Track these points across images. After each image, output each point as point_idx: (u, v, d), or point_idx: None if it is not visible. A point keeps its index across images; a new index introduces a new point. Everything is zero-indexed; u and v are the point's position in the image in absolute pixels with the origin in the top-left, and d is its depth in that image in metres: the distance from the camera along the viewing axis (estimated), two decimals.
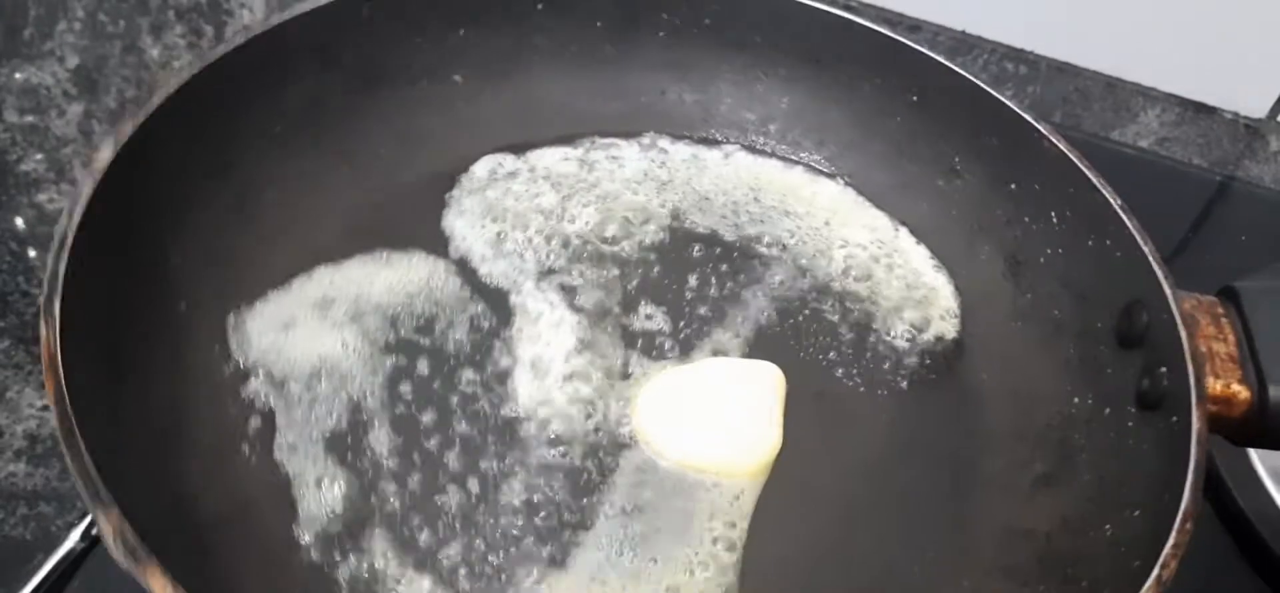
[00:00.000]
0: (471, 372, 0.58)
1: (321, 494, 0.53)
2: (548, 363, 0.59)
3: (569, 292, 0.63)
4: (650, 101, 0.73)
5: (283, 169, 0.63)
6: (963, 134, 0.67)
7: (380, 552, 0.51)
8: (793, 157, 0.73)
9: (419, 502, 0.53)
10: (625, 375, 0.59)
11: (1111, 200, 0.58)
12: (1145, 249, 0.56)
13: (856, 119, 0.71)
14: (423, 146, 0.68)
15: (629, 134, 0.72)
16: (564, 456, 0.56)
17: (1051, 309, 0.62)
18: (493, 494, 0.54)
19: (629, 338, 0.61)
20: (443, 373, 0.58)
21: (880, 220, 0.69)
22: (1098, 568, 0.50)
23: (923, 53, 0.67)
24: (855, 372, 0.62)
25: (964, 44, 0.89)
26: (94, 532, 0.57)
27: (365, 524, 0.52)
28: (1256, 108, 0.88)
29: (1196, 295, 0.55)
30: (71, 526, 0.58)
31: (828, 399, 0.60)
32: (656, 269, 0.65)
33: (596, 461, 0.56)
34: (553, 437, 0.56)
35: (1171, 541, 0.45)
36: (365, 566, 0.51)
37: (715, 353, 0.61)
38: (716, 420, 0.58)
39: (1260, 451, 0.64)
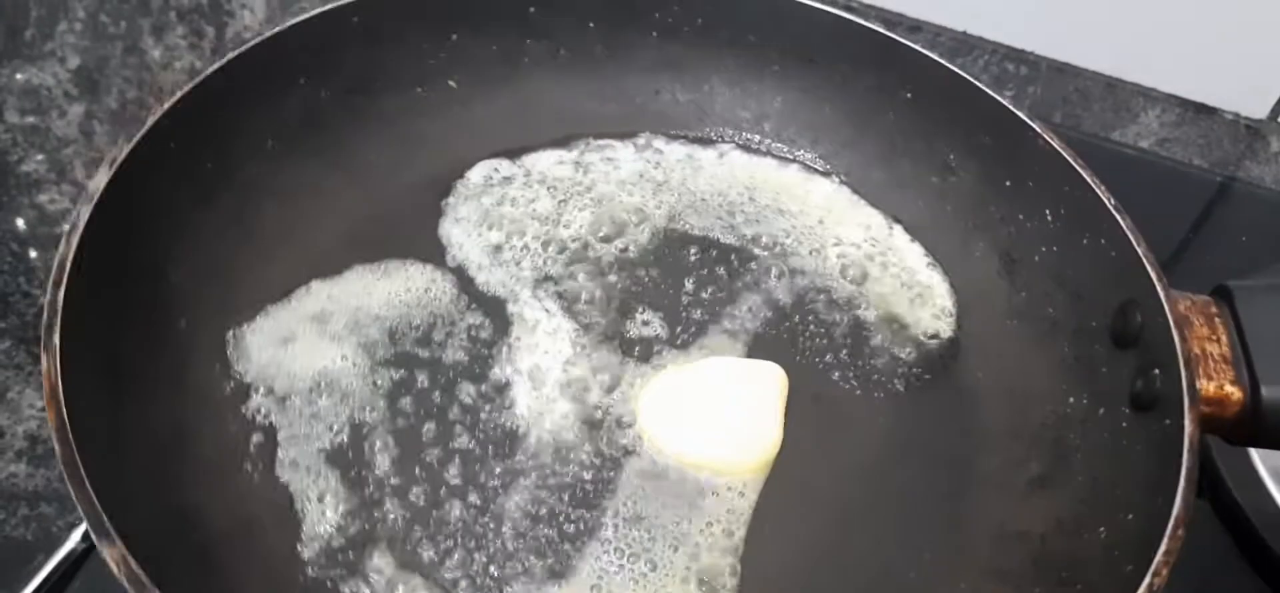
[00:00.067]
0: (470, 383, 0.59)
1: (324, 510, 0.54)
2: (545, 373, 0.59)
3: (566, 299, 0.63)
4: (644, 102, 0.73)
5: (278, 182, 0.63)
6: (957, 131, 0.67)
7: (383, 567, 0.52)
8: (787, 155, 0.73)
9: (420, 515, 0.54)
10: (623, 383, 0.60)
11: (1105, 199, 0.58)
12: (1139, 249, 0.56)
13: (851, 116, 0.71)
14: (418, 153, 0.68)
15: (624, 135, 0.72)
16: (563, 465, 0.56)
17: (1046, 308, 0.62)
18: (493, 506, 0.55)
19: (626, 345, 0.61)
20: (442, 385, 0.59)
21: (875, 218, 0.69)
22: (1091, 571, 0.50)
23: (915, 50, 0.67)
24: (851, 374, 0.62)
25: (964, 44, 0.88)
26: None
27: (368, 539, 0.53)
28: (1257, 108, 0.88)
29: (1190, 296, 0.55)
30: (72, 526, 0.58)
31: (825, 402, 0.60)
32: (653, 274, 0.65)
33: (595, 469, 0.56)
34: (552, 447, 0.57)
35: (1163, 548, 0.45)
36: (368, 581, 0.52)
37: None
38: (719, 419, 0.59)
39: (1261, 450, 0.64)
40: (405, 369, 0.59)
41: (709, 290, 0.65)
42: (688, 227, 0.68)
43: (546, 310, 0.62)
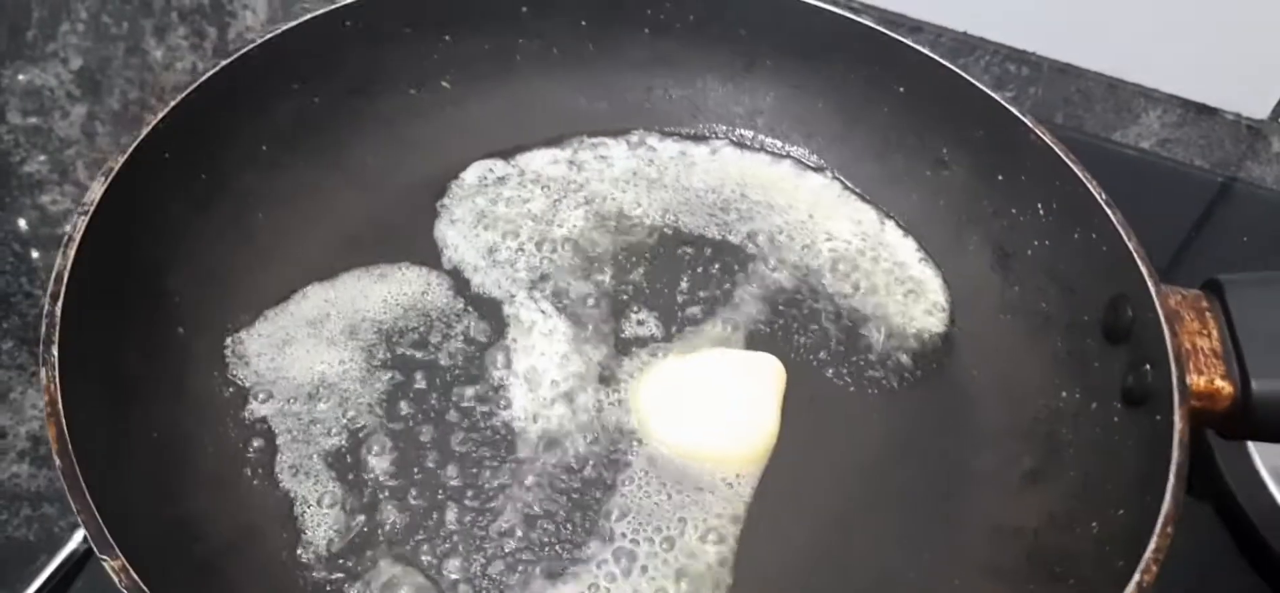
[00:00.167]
0: (467, 386, 0.59)
1: (324, 514, 0.54)
2: (541, 374, 0.60)
3: (561, 300, 0.63)
4: (637, 99, 0.73)
5: (273, 187, 0.63)
6: (949, 126, 0.67)
7: (383, 569, 0.53)
8: (781, 150, 0.73)
9: (419, 518, 0.54)
10: (619, 383, 0.60)
11: (1096, 194, 0.58)
12: (1130, 244, 0.56)
13: (844, 111, 0.71)
14: (412, 155, 0.69)
15: (617, 133, 0.72)
16: (560, 466, 0.57)
17: (1039, 302, 0.62)
18: (491, 508, 0.55)
19: (622, 345, 0.62)
20: (439, 388, 0.59)
21: (867, 214, 0.69)
22: (1084, 567, 0.51)
23: (907, 44, 0.67)
24: (845, 371, 0.62)
25: (965, 45, 0.88)
26: None
27: (367, 542, 0.53)
28: (1258, 109, 0.88)
29: (1181, 290, 0.55)
30: (74, 527, 0.59)
31: (819, 401, 0.61)
32: (647, 272, 0.66)
33: (591, 470, 0.57)
34: (548, 448, 0.57)
35: (1152, 545, 0.46)
36: (369, 584, 0.52)
37: None
38: (717, 410, 0.59)
39: (1261, 449, 0.65)
40: (403, 372, 0.59)
41: (703, 289, 0.65)
42: (681, 224, 0.68)
43: (542, 311, 0.63)
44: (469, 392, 0.59)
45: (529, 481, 0.56)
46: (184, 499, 0.52)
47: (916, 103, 0.68)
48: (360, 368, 0.59)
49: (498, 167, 0.70)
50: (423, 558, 0.53)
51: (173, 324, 0.58)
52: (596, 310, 0.63)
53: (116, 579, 0.43)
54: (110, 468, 0.48)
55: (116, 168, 0.55)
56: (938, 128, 0.68)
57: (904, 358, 0.63)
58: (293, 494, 0.55)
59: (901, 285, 0.66)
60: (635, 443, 0.58)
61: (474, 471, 0.56)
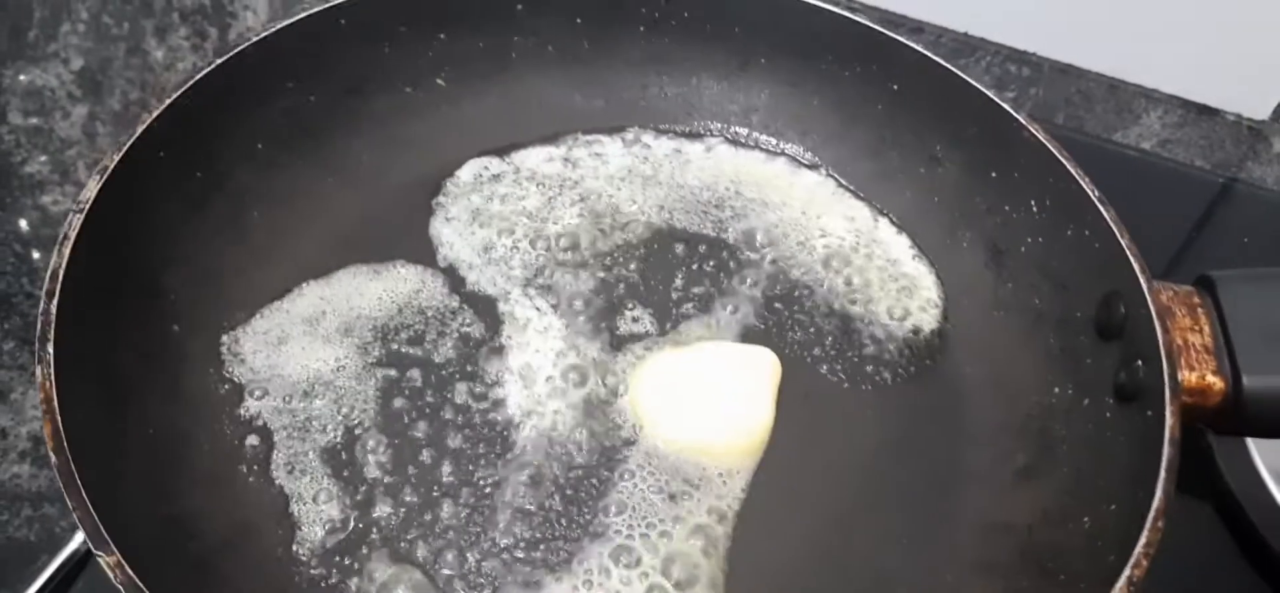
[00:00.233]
0: (462, 382, 0.60)
1: (319, 511, 0.54)
2: (536, 371, 0.60)
3: (556, 297, 0.64)
4: (632, 97, 0.73)
5: (268, 186, 0.64)
6: (943, 123, 0.67)
7: (378, 566, 0.53)
8: (775, 148, 0.73)
9: (415, 514, 0.55)
10: (613, 380, 0.60)
11: (1089, 191, 0.59)
12: (1122, 241, 0.56)
13: (838, 108, 0.71)
14: (408, 153, 0.69)
15: (612, 130, 0.73)
16: (555, 462, 0.57)
17: (1032, 299, 0.62)
18: (487, 504, 0.55)
19: (616, 342, 0.62)
20: (434, 385, 0.59)
21: (861, 211, 0.69)
22: (1075, 562, 0.51)
23: (901, 42, 0.67)
24: (840, 368, 0.62)
25: (966, 46, 0.89)
26: None
27: (363, 539, 0.54)
28: (1259, 109, 0.88)
29: (1173, 286, 0.56)
30: (75, 527, 0.57)
31: (813, 398, 0.61)
32: (641, 270, 0.66)
33: (586, 466, 0.57)
34: (543, 444, 0.57)
35: (1143, 539, 0.46)
36: (364, 581, 0.52)
37: None
38: (713, 402, 0.59)
39: (1261, 449, 0.65)
40: (398, 369, 0.60)
41: (697, 286, 0.65)
42: (676, 222, 0.69)
43: (537, 309, 0.63)
44: (464, 388, 0.59)
45: (524, 477, 0.56)
46: (180, 497, 0.53)
47: (910, 100, 0.68)
48: (356, 365, 0.60)
49: (493, 164, 0.70)
50: (418, 554, 0.53)
51: (168, 322, 0.58)
52: (591, 307, 0.63)
53: (112, 575, 0.43)
54: (106, 465, 0.48)
55: (111, 166, 0.55)
56: (931, 125, 0.68)
57: (897, 355, 0.63)
58: (288, 491, 0.55)
59: (895, 282, 0.66)
60: (630, 438, 0.58)
61: (469, 467, 0.56)
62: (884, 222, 0.69)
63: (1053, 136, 0.62)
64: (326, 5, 0.65)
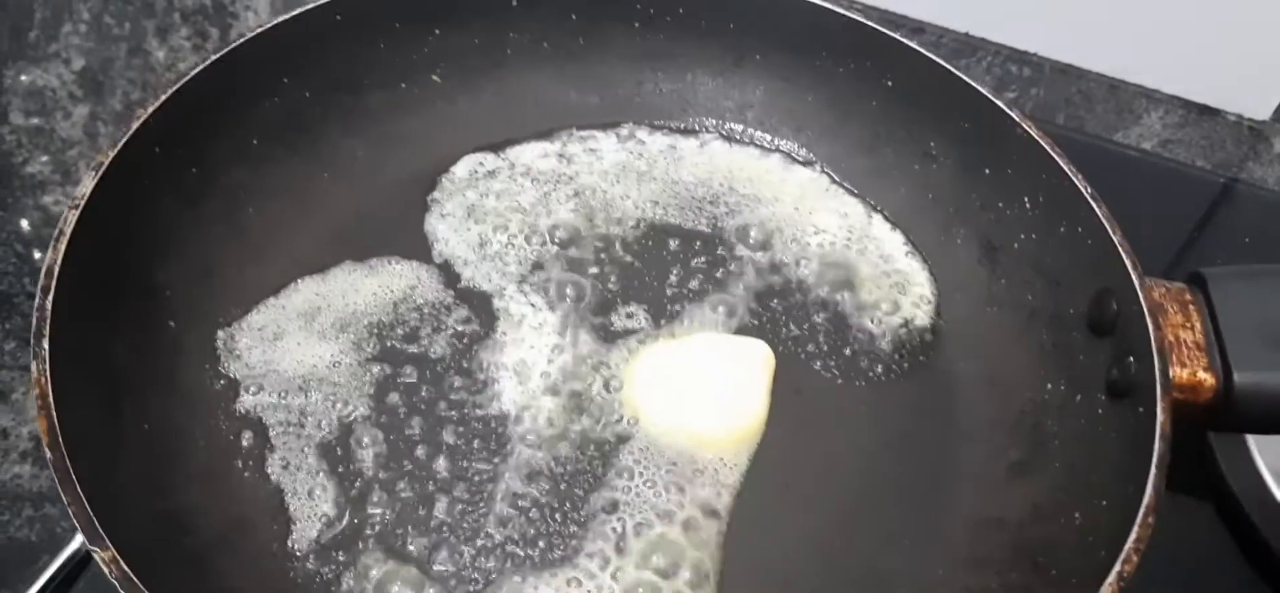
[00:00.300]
0: (457, 378, 0.60)
1: (314, 507, 0.55)
2: (531, 367, 0.60)
3: (551, 293, 0.64)
4: (627, 93, 0.73)
5: (264, 182, 0.64)
6: (937, 119, 0.67)
7: (373, 562, 0.53)
8: (770, 144, 0.73)
9: (409, 510, 0.55)
10: (608, 376, 0.60)
11: (1082, 188, 0.59)
12: (1114, 238, 0.56)
13: (833, 104, 0.71)
14: (403, 149, 0.69)
15: (606, 126, 0.73)
16: (549, 457, 0.57)
17: (1025, 295, 0.62)
18: (481, 500, 0.55)
19: (610, 338, 0.62)
20: (429, 381, 0.59)
21: (855, 207, 0.70)
22: (1066, 557, 0.51)
23: (894, 38, 0.67)
24: (833, 364, 0.63)
25: (967, 46, 0.89)
26: None
27: (358, 535, 0.54)
28: (1260, 109, 0.88)
29: (1165, 283, 0.56)
30: (76, 527, 0.59)
31: (807, 393, 0.61)
32: (636, 266, 0.66)
33: (580, 462, 0.57)
34: (537, 440, 0.58)
35: (1133, 535, 0.46)
36: (359, 576, 0.53)
37: None
38: (706, 391, 0.60)
39: (1263, 449, 0.64)
40: (393, 365, 0.60)
41: (691, 282, 0.65)
42: (670, 218, 0.69)
43: (532, 305, 0.63)
44: (459, 384, 0.59)
45: (519, 472, 0.56)
46: (175, 492, 0.53)
47: (904, 96, 0.68)
48: (351, 361, 0.60)
49: (488, 160, 0.70)
50: (413, 550, 0.54)
51: (164, 318, 0.58)
52: (586, 303, 0.64)
53: (107, 571, 0.43)
54: (102, 461, 0.48)
55: (107, 162, 0.55)
56: (926, 121, 0.68)
57: (891, 351, 0.63)
58: (283, 487, 0.55)
59: (889, 278, 0.66)
60: (624, 434, 0.58)
61: (464, 463, 0.57)
62: (878, 218, 0.69)
63: (1046, 133, 0.62)
64: (322, 1, 0.65)
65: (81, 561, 0.58)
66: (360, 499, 0.55)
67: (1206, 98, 0.88)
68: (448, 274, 0.64)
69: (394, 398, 0.59)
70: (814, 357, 0.63)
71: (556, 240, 0.66)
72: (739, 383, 0.60)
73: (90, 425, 0.49)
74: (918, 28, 0.88)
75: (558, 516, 0.55)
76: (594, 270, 0.65)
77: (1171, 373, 0.52)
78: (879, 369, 0.63)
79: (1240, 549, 0.64)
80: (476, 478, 0.56)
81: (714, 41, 0.72)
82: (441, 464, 0.57)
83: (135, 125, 0.57)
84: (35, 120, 0.77)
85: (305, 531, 0.54)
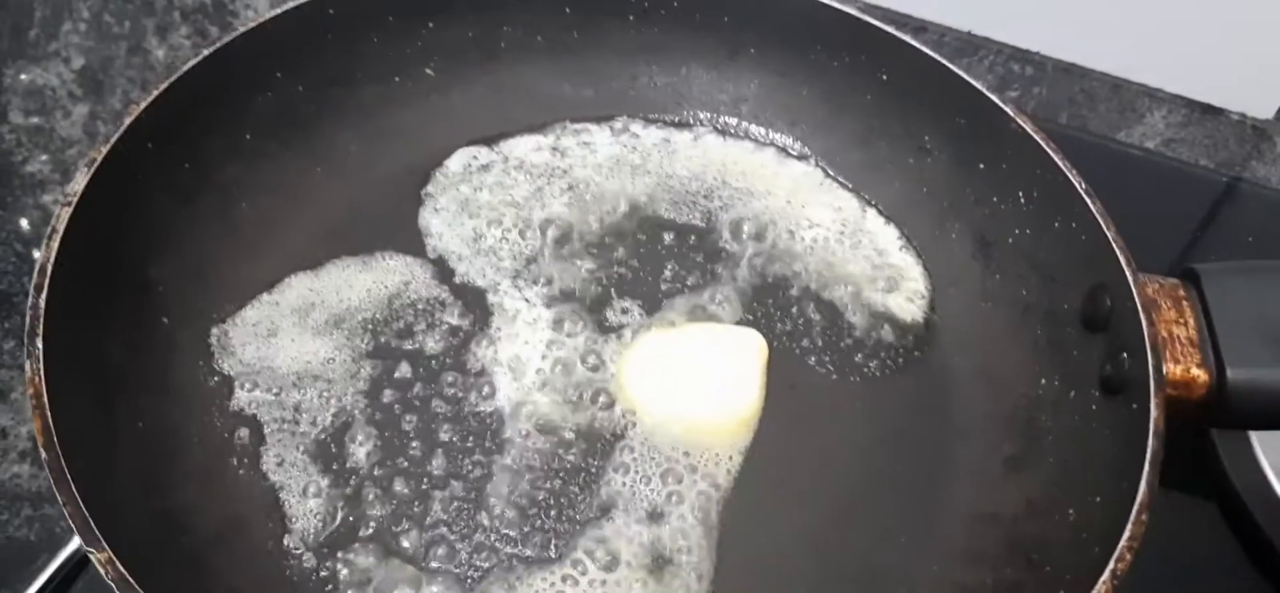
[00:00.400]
0: (452, 374, 0.60)
1: (310, 504, 0.55)
2: (526, 362, 0.60)
3: (545, 288, 0.64)
4: (621, 86, 0.73)
5: (257, 177, 0.64)
6: (932, 113, 0.67)
7: (370, 558, 0.53)
8: (764, 138, 0.73)
9: (405, 507, 0.55)
10: (602, 372, 0.60)
11: (1076, 183, 0.59)
12: (1108, 233, 0.56)
13: (828, 97, 0.71)
14: (396, 143, 0.69)
15: (601, 119, 0.72)
16: (543, 453, 0.57)
17: (1020, 290, 0.62)
18: (476, 497, 0.55)
19: (605, 333, 0.62)
20: (424, 377, 0.59)
21: (849, 202, 0.69)
22: (1060, 553, 0.51)
23: (888, 32, 0.67)
24: (828, 359, 0.63)
25: (970, 45, 0.89)
26: None
27: (353, 533, 0.54)
28: (1263, 109, 0.88)
29: (1159, 279, 0.56)
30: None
31: (801, 388, 0.61)
32: (630, 261, 0.66)
33: (576, 458, 0.57)
34: (533, 436, 0.58)
35: (1127, 533, 0.46)
36: (356, 573, 0.53)
37: None
38: (701, 381, 0.60)
39: (1266, 448, 0.65)
40: (387, 361, 0.60)
41: (685, 276, 0.65)
42: (664, 212, 0.69)
43: (526, 300, 0.63)
44: (454, 380, 0.59)
45: (514, 468, 0.56)
46: (171, 491, 0.53)
47: (899, 91, 0.68)
48: (345, 358, 0.60)
49: (482, 154, 0.70)
50: (409, 548, 0.54)
51: (157, 315, 0.58)
52: (580, 298, 0.64)
53: (103, 572, 0.43)
54: (97, 460, 0.48)
55: (99, 159, 0.55)
56: (921, 116, 0.68)
57: (885, 345, 0.63)
58: (279, 484, 0.55)
59: (883, 273, 0.66)
60: (618, 430, 0.58)
61: (459, 459, 0.57)
62: (872, 212, 0.69)
63: (1041, 129, 0.62)
64: None
65: (80, 561, 0.57)
66: (356, 497, 0.55)
67: (1210, 97, 0.88)
68: (441, 269, 0.64)
69: (389, 395, 0.59)
70: (808, 352, 0.63)
71: (550, 235, 0.66)
72: (733, 372, 0.60)
73: (85, 425, 0.49)
74: (920, 26, 0.88)
75: (553, 511, 0.55)
76: (588, 265, 0.65)
77: (1165, 369, 0.52)
78: (873, 364, 0.63)
79: (1243, 548, 0.64)
80: (472, 475, 0.56)
81: (709, 35, 0.72)
82: (437, 461, 0.57)
83: (128, 121, 0.56)
84: (35, 119, 0.77)
85: (301, 529, 0.54)
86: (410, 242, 0.65)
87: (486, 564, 0.53)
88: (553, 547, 0.54)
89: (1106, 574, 0.46)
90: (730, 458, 0.58)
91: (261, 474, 0.55)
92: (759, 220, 0.68)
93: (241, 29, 0.62)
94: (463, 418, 0.58)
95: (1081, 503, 0.52)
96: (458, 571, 0.53)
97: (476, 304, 0.63)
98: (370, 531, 0.54)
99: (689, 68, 0.73)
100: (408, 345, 0.61)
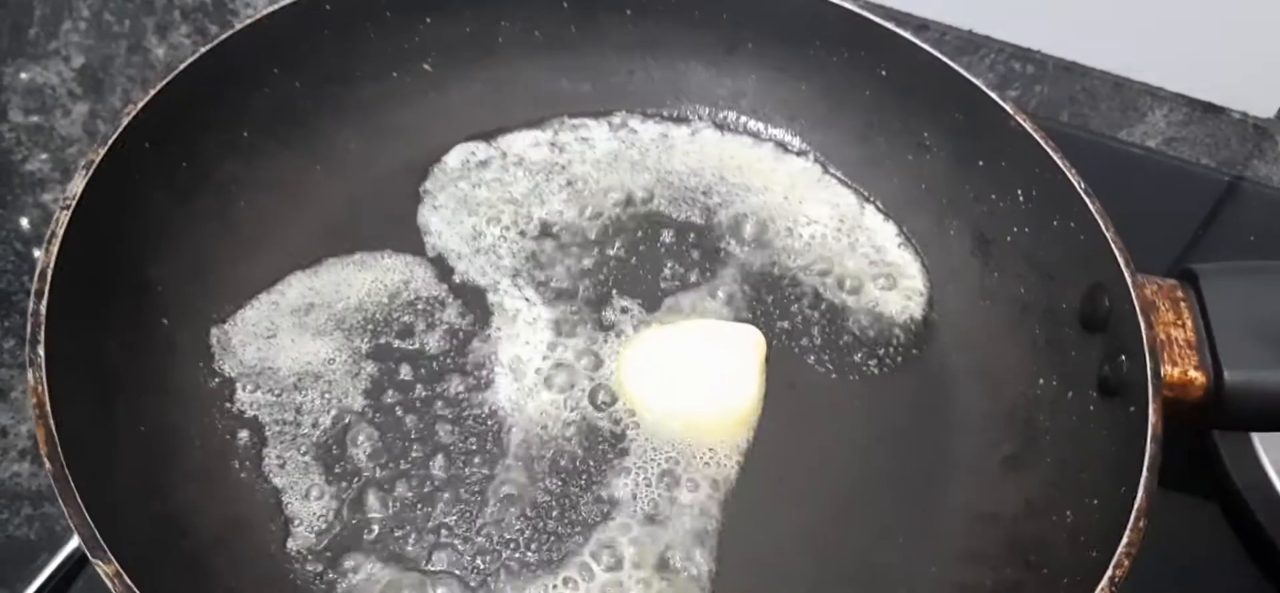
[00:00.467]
0: (453, 375, 0.60)
1: (311, 507, 0.55)
2: (526, 363, 0.60)
3: (544, 287, 0.64)
4: (620, 81, 0.73)
5: (255, 176, 0.63)
6: (931, 110, 0.67)
7: (372, 561, 0.53)
8: (763, 133, 0.73)
9: (407, 510, 0.55)
10: (602, 371, 0.60)
11: (1075, 182, 0.59)
12: (1107, 234, 0.56)
13: (826, 93, 0.71)
14: (395, 139, 0.68)
15: (599, 114, 0.72)
16: (544, 454, 0.57)
17: (1018, 288, 0.62)
18: (478, 499, 0.56)
19: (605, 331, 0.62)
20: (424, 378, 0.59)
21: (848, 198, 0.69)
22: (1058, 555, 0.52)
23: (887, 28, 0.67)
24: (826, 358, 0.63)
25: (971, 43, 0.88)
26: None
27: (356, 534, 0.54)
28: (1265, 107, 0.88)
29: (1157, 280, 0.56)
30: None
31: (799, 387, 0.61)
32: (629, 259, 0.66)
33: (577, 458, 0.57)
34: (534, 437, 0.58)
35: (1125, 539, 0.47)
36: (359, 577, 0.53)
37: None
38: (700, 377, 0.60)
39: (1268, 449, 0.65)
40: (388, 362, 0.60)
41: (684, 274, 0.65)
42: (663, 208, 0.68)
43: (526, 299, 0.63)
44: (455, 382, 0.59)
45: (515, 470, 0.57)
46: (172, 494, 0.53)
47: (899, 87, 0.68)
48: (346, 358, 0.60)
49: (480, 150, 0.69)
50: (411, 551, 0.54)
51: (156, 316, 0.58)
52: (579, 297, 0.64)
53: (111, 586, 0.43)
54: (99, 467, 0.48)
55: (97, 160, 0.54)
56: (920, 112, 0.67)
57: (883, 343, 0.64)
58: (280, 487, 0.55)
59: (881, 270, 0.66)
60: (619, 429, 0.58)
61: (460, 461, 0.57)
62: (871, 208, 0.69)
63: (1040, 127, 0.62)
64: None
65: (81, 559, 0.58)
66: (358, 500, 0.55)
67: (1211, 96, 0.88)
68: (441, 268, 0.64)
69: (390, 396, 0.59)
70: (807, 351, 0.63)
71: (549, 233, 0.66)
72: (732, 368, 0.60)
73: (87, 431, 0.49)
74: (922, 24, 0.88)
75: (556, 513, 0.56)
76: (587, 263, 0.65)
77: (1162, 372, 0.52)
78: (872, 363, 0.63)
79: (1245, 548, 0.65)
80: (473, 477, 0.56)
81: (707, 30, 0.72)
82: (438, 464, 0.57)
83: (125, 121, 0.56)
84: (35, 118, 0.76)
85: (303, 531, 0.54)
86: (409, 240, 0.65)
87: (489, 568, 0.54)
88: (555, 549, 0.54)
89: (1104, 581, 0.46)
90: (730, 458, 0.58)
91: (263, 476, 0.55)
92: (757, 217, 0.68)
93: (238, 26, 0.62)
94: (464, 420, 0.58)
95: (1079, 505, 0.53)
96: (460, 574, 0.53)
97: (476, 303, 0.63)
98: (373, 534, 0.54)
99: (687, 62, 0.73)
100: (408, 346, 0.61)
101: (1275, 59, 0.84)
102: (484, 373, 0.60)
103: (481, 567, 0.54)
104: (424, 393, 0.59)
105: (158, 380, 0.56)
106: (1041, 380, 0.59)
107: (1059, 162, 0.60)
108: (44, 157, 0.74)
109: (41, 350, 0.48)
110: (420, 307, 0.62)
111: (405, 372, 0.59)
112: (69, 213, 0.52)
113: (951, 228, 0.67)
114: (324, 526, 0.54)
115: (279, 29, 0.63)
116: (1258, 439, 0.65)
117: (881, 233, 0.68)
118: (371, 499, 0.55)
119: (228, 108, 0.62)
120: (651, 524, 0.55)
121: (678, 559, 0.54)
